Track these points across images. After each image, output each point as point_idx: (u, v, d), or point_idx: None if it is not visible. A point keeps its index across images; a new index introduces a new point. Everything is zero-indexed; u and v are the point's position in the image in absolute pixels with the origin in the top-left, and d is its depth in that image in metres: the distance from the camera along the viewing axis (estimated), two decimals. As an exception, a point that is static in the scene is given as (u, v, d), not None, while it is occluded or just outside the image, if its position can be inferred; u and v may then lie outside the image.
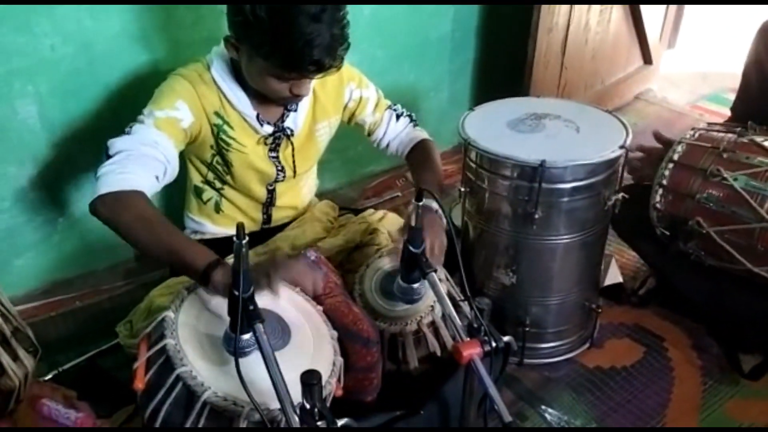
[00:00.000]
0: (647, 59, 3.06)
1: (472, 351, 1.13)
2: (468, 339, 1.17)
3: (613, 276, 2.00)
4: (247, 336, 1.10)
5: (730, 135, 1.58)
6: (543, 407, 1.62)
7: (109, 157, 1.33)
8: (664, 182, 1.60)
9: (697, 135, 1.61)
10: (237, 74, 1.47)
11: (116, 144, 1.34)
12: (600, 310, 1.78)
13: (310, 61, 1.29)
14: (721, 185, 1.52)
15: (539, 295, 1.67)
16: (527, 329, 1.69)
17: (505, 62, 2.55)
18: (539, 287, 1.66)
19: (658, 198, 1.62)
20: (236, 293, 1.05)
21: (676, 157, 1.58)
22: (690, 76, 3.47)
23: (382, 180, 2.47)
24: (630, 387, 1.68)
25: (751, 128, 1.61)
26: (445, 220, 1.45)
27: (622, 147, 1.49)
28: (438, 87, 2.51)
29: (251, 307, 1.06)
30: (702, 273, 1.68)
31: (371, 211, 1.79)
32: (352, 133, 1.80)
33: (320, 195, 2.06)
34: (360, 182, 2.45)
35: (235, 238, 1.01)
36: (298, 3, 1.25)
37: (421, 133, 1.75)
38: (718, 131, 1.63)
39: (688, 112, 3.07)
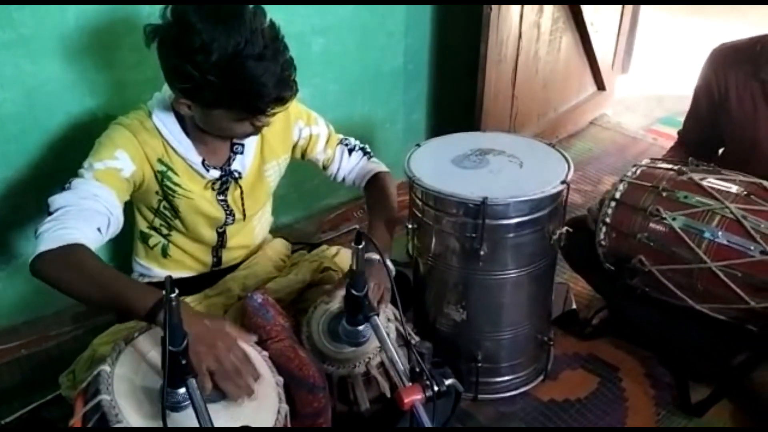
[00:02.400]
0: (600, 85, 3.12)
1: (413, 397, 1.12)
2: (410, 384, 1.16)
3: (568, 304, 2.01)
4: (182, 390, 1.08)
5: (670, 173, 1.60)
6: (497, 444, 1.61)
7: (50, 214, 1.31)
8: (608, 220, 1.62)
9: (638, 172, 1.64)
10: (180, 121, 1.46)
11: (56, 201, 1.32)
12: (552, 343, 1.78)
13: (270, 100, 1.30)
14: (662, 224, 1.54)
15: (491, 330, 1.67)
16: (480, 364, 1.68)
17: (458, 94, 2.58)
18: (490, 322, 1.66)
19: (602, 235, 1.64)
20: (168, 348, 1.02)
21: (618, 195, 1.61)
22: (645, 100, 3.55)
23: (340, 213, 2.46)
24: (584, 419, 1.68)
25: (691, 164, 1.64)
26: (389, 263, 1.45)
27: (563, 182, 1.51)
28: (393, 119, 2.52)
29: (183, 362, 1.04)
30: (651, 304, 1.70)
31: (324, 247, 1.78)
32: (307, 167, 1.79)
33: (277, 229, 2.05)
34: (317, 215, 2.44)
35: (164, 292, 0.99)
36: (241, 51, 1.24)
37: (377, 166, 1.74)
38: (659, 168, 1.65)
39: (641, 137, 3.13)
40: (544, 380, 1.80)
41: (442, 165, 1.61)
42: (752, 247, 1.45)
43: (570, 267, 1.97)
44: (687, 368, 1.75)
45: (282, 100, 1.32)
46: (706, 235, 1.49)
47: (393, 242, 1.62)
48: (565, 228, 1.61)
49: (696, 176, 1.57)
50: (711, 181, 1.56)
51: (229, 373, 1.15)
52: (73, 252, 1.25)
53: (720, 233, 1.48)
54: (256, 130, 1.42)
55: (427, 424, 1.12)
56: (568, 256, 1.92)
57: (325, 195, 2.43)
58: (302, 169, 1.78)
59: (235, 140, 1.51)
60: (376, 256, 1.41)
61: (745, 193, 1.53)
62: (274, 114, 1.37)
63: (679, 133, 2.02)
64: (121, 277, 1.27)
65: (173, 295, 0.99)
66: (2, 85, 1.55)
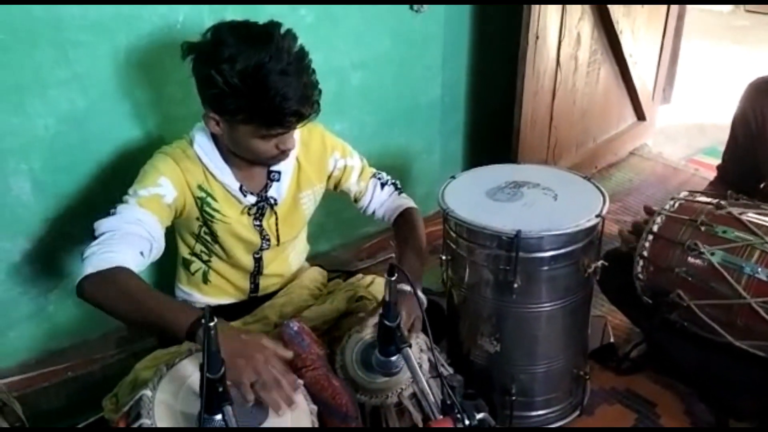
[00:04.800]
0: (640, 115, 3.10)
1: (444, 428, 1.13)
2: (441, 417, 1.17)
3: (606, 338, 1.99)
4: (218, 416, 1.11)
5: (709, 207, 1.59)
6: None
7: (95, 238, 1.37)
8: (645, 254, 1.60)
9: (676, 206, 1.62)
10: (219, 148, 1.52)
11: (101, 226, 1.39)
12: (588, 377, 1.76)
13: (289, 114, 1.35)
14: (700, 259, 1.52)
15: (525, 363, 1.66)
16: (514, 398, 1.67)
17: (495, 125, 2.60)
18: (524, 355, 1.65)
19: (639, 269, 1.62)
20: (206, 375, 1.06)
21: (655, 228, 1.59)
22: (686, 130, 3.51)
23: (376, 241, 2.49)
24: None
25: (730, 198, 1.62)
26: (420, 294, 1.46)
27: (598, 216, 1.51)
28: (430, 150, 2.55)
29: (220, 389, 1.07)
30: (690, 339, 1.67)
31: (360, 276, 1.80)
32: (345, 196, 1.83)
33: (314, 257, 2.09)
34: (354, 244, 2.47)
35: (203, 321, 1.03)
36: (265, 63, 1.31)
37: (406, 201, 1.77)
38: (697, 201, 1.63)
39: (682, 167, 3.09)
40: (580, 415, 1.78)
41: (476, 197, 1.62)
42: (794, 284, 1.42)
43: (608, 300, 1.95)
44: (728, 406, 1.71)
45: (301, 116, 1.38)
46: (746, 270, 1.47)
47: (426, 273, 1.64)
48: (601, 261, 1.60)
49: (735, 210, 1.55)
50: (750, 216, 1.54)
51: (268, 383, 1.19)
52: (117, 274, 1.31)
53: (760, 269, 1.45)
54: (281, 154, 1.47)
55: (458, 457, 1.12)
56: (606, 289, 1.90)
57: (362, 224, 2.47)
58: (339, 198, 1.82)
59: (271, 168, 1.57)
60: (408, 287, 1.43)
61: (787, 228, 1.50)
62: (292, 132, 1.43)
63: (718, 167, 2.00)
64: (161, 296, 1.33)
65: (213, 324, 1.03)
66: (57, 120, 1.63)
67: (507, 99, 2.47)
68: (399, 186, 1.80)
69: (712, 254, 1.51)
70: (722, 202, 1.59)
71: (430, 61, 2.38)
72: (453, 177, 1.74)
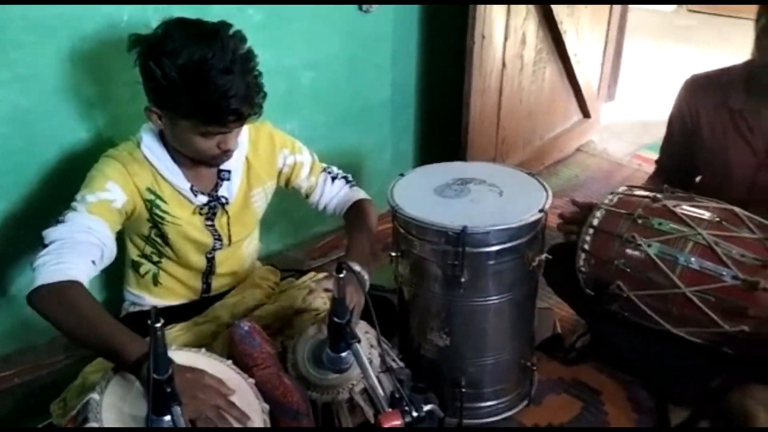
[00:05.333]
0: (585, 113, 3.19)
1: (392, 423, 1.16)
2: (389, 410, 1.19)
3: (553, 329, 2.05)
4: (168, 418, 1.11)
5: (646, 200, 1.65)
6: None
7: (44, 247, 1.35)
8: (586, 247, 1.66)
9: (615, 200, 1.69)
10: (167, 148, 1.51)
11: (50, 234, 1.36)
12: (536, 368, 1.81)
13: (229, 112, 1.36)
14: (638, 251, 1.58)
15: (474, 356, 1.70)
16: (464, 390, 1.71)
17: (445, 123, 2.64)
18: (473, 348, 1.70)
19: (582, 262, 1.68)
20: (153, 376, 1.06)
21: (595, 222, 1.65)
22: (631, 127, 3.62)
23: (329, 240, 2.51)
24: (567, 443, 1.71)
25: (666, 191, 1.69)
26: (366, 282, 1.49)
27: (541, 210, 1.56)
28: (381, 148, 2.58)
29: (168, 390, 1.08)
30: (631, 329, 1.73)
31: (312, 274, 1.82)
32: (296, 193, 1.84)
33: (267, 257, 2.09)
34: (306, 243, 2.48)
35: (149, 322, 1.03)
36: (207, 60, 1.31)
37: (358, 194, 1.79)
38: (635, 195, 1.70)
39: (627, 163, 3.19)
40: (528, 405, 1.83)
41: (424, 194, 1.66)
42: (724, 273, 1.49)
43: (553, 291, 2.01)
44: (667, 392, 1.78)
45: (240, 116, 1.38)
46: (681, 261, 1.54)
47: (379, 270, 1.66)
48: (545, 255, 1.66)
49: (670, 203, 1.62)
50: (684, 208, 1.61)
51: (210, 421, 1.18)
52: (69, 289, 1.29)
53: (693, 259, 1.52)
54: (223, 154, 1.47)
55: (407, 449, 1.15)
56: (551, 282, 1.96)
57: (314, 222, 2.48)
58: (291, 196, 1.83)
59: (221, 167, 1.57)
60: (356, 266, 1.46)
61: (717, 219, 1.57)
62: (234, 132, 1.43)
63: (656, 162, 2.07)
64: (113, 321, 1.29)
65: (159, 325, 1.03)
66: (-1, 122, 1.60)
67: (456, 98, 2.51)
68: (351, 179, 1.82)
69: (649, 246, 1.57)
70: (658, 196, 1.66)
71: (380, 61, 2.41)
72: (402, 175, 1.77)
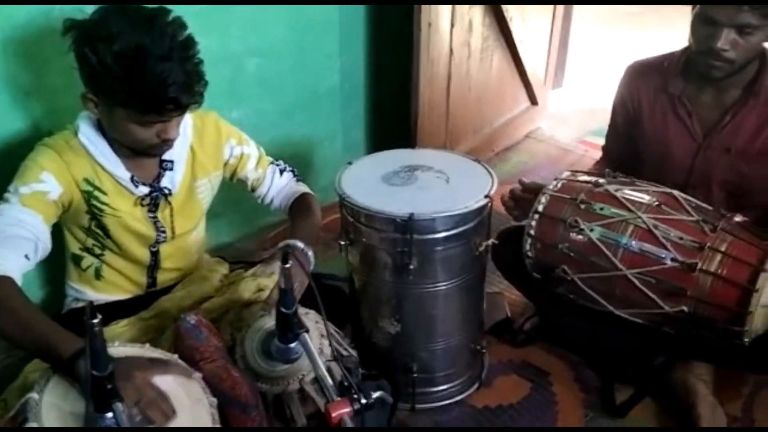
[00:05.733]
0: (533, 100, 3.23)
1: (340, 411, 1.15)
2: (338, 398, 1.19)
3: (502, 313, 2.08)
4: (109, 414, 1.09)
5: (588, 185, 1.69)
6: (431, 452, 1.66)
7: None
8: (532, 232, 1.69)
9: (559, 185, 1.71)
10: (106, 137, 1.47)
11: None
12: (485, 351, 1.84)
13: (167, 101, 1.32)
14: (581, 235, 1.61)
15: (425, 341, 1.72)
16: (416, 375, 1.73)
17: (395, 111, 2.64)
18: (424, 334, 1.71)
19: (528, 246, 1.71)
20: (92, 373, 1.04)
21: (540, 208, 1.68)
22: (577, 113, 3.67)
23: (280, 230, 2.48)
24: (516, 424, 1.74)
25: (608, 176, 1.73)
26: (311, 261, 1.49)
27: (487, 196, 1.57)
28: (332, 138, 2.57)
29: (108, 386, 1.05)
30: (577, 311, 1.77)
31: (262, 265, 1.80)
32: (242, 185, 1.81)
33: (216, 249, 2.06)
34: (257, 234, 2.46)
35: (85, 318, 1.00)
36: (145, 46, 1.27)
37: (302, 188, 1.78)
38: (578, 181, 1.73)
39: (574, 149, 3.25)
40: (479, 388, 1.86)
41: (371, 182, 1.65)
42: (664, 255, 1.53)
43: (502, 276, 2.04)
44: (612, 371, 1.83)
45: (179, 105, 1.34)
46: (621, 244, 1.57)
47: (331, 259, 1.66)
48: (492, 240, 1.68)
49: (611, 188, 1.66)
50: (625, 193, 1.65)
51: (151, 401, 1.17)
52: (1, 285, 1.25)
53: (633, 242, 1.56)
54: (163, 144, 1.43)
55: (357, 437, 1.15)
56: (500, 266, 1.99)
57: (264, 213, 2.44)
58: (240, 188, 1.80)
59: (163, 157, 1.53)
60: (300, 244, 1.45)
61: (656, 203, 1.62)
62: (173, 120, 1.39)
63: (603, 148, 2.12)
64: (44, 320, 1.26)
65: (96, 321, 1.00)
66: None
67: (406, 85, 2.51)
68: (297, 173, 1.81)
69: (591, 230, 1.61)
70: (600, 181, 1.69)
71: (327, 48, 2.38)
72: (350, 163, 1.76)
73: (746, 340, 1.52)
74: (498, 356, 1.96)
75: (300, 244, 1.51)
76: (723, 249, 1.50)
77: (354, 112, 2.63)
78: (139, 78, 1.28)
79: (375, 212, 1.54)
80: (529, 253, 1.74)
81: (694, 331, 1.61)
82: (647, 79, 1.85)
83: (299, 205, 1.73)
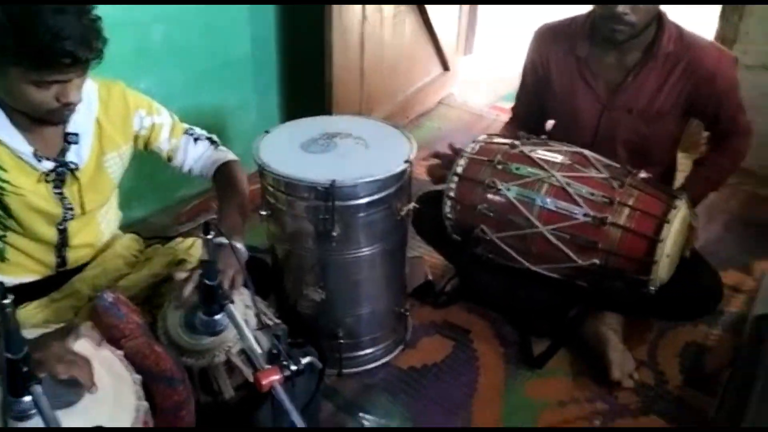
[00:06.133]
0: (445, 66, 3.27)
1: (271, 378, 1.15)
2: (268, 367, 1.19)
3: (424, 276, 2.12)
4: (27, 398, 1.04)
5: (504, 147, 1.73)
6: (361, 414, 1.68)
7: None
8: (452, 194, 1.72)
9: (477, 148, 1.75)
10: (4, 108, 1.37)
11: None
12: (409, 314, 1.88)
13: (62, 53, 1.23)
14: (498, 195, 1.67)
15: (350, 307, 1.73)
16: (342, 341, 1.74)
17: (310, 79, 2.60)
18: (349, 299, 1.72)
19: (448, 209, 1.74)
20: (6, 356, 0.98)
21: (459, 170, 1.71)
22: (489, 79, 3.75)
23: (196, 203, 2.42)
24: (440, 382, 1.79)
25: (523, 138, 1.78)
26: (238, 245, 1.45)
27: (407, 161, 1.59)
28: (245, 107, 2.51)
29: (24, 369, 1.00)
30: (495, 270, 1.83)
31: (179, 239, 1.75)
32: (157, 156, 1.75)
33: (130, 225, 1.98)
34: (173, 207, 2.39)
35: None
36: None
37: (225, 154, 1.72)
38: (495, 143, 1.78)
39: (486, 114, 3.32)
40: (404, 349, 1.89)
41: (291, 150, 1.63)
42: (576, 211, 1.61)
43: (422, 240, 2.07)
44: (530, 326, 1.91)
45: (76, 59, 1.26)
46: (537, 202, 1.64)
47: (251, 231, 1.63)
48: (413, 204, 1.70)
49: (526, 149, 1.71)
50: (539, 153, 1.71)
51: (73, 361, 1.14)
52: None
53: (548, 200, 1.63)
54: (63, 108, 1.34)
55: (287, 403, 1.15)
56: (420, 230, 2.02)
57: (179, 186, 2.38)
58: (154, 159, 1.73)
59: (68, 129, 1.45)
60: (226, 241, 1.41)
61: (569, 162, 1.69)
62: (70, 75, 1.30)
63: (512, 109, 2.17)
64: None
65: (7, 302, 0.95)
66: None
67: (319, 53, 2.48)
68: (215, 140, 1.74)
69: (509, 190, 1.66)
70: (516, 142, 1.75)
71: (235, 14, 2.31)
72: (267, 131, 1.73)
73: (652, 288, 1.62)
74: (421, 318, 2.01)
75: (238, 245, 1.43)
76: (630, 203, 1.59)
77: (267, 81, 2.57)
78: (30, 31, 1.19)
79: (296, 180, 1.53)
80: (449, 215, 1.78)
81: (606, 283, 1.71)
82: (555, 43, 1.90)
83: (223, 179, 1.67)
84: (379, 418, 1.68)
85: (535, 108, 2.04)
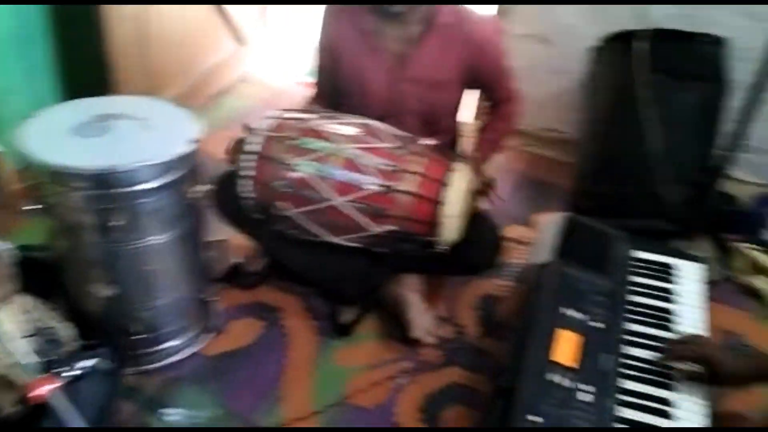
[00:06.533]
0: (241, 41, 3.17)
1: (43, 388, 1.06)
2: (40, 376, 1.09)
3: (231, 259, 2.07)
4: None
5: (295, 122, 1.72)
6: (161, 411, 1.61)
7: None
8: (247, 173, 1.68)
9: (269, 125, 1.72)
10: None
11: None
12: (217, 299, 1.82)
13: None
14: (292, 171, 1.66)
15: (145, 300, 1.64)
16: (140, 336, 1.65)
17: (88, 56, 2.38)
18: (143, 292, 1.63)
19: (244, 188, 1.70)
20: None
21: (252, 148, 1.67)
22: (290, 54, 3.70)
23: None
24: (251, 363, 1.77)
25: (314, 112, 1.78)
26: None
27: (191, 142, 1.52)
28: (13, 91, 2.24)
29: None
30: (299, 245, 1.82)
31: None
32: None
33: None
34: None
35: None
36: None
37: None
38: (287, 119, 1.76)
39: (288, 89, 3.28)
40: (214, 337, 1.84)
41: (60, 136, 1.49)
42: (366, 181, 1.64)
43: (224, 221, 2.01)
44: (338, 296, 1.95)
45: None
46: (329, 175, 1.65)
47: (23, 228, 1.47)
48: (208, 186, 1.63)
49: (315, 123, 1.71)
50: (329, 127, 1.71)
51: None
52: None
53: (339, 172, 1.64)
54: None
55: (69, 412, 1.07)
56: (222, 211, 1.95)
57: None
58: None
59: None
60: None
61: (359, 134, 1.71)
62: None
63: (314, 84, 2.16)
64: None
65: None
66: None
67: (95, 30, 2.27)
68: None
69: (302, 165, 1.65)
70: (306, 117, 1.74)
71: (-10, -13, 2.05)
72: (30, 116, 1.56)
73: (444, 248, 1.71)
74: (230, 302, 1.96)
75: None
76: (416, 170, 1.66)
77: (37, 61, 2.32)
78: None
79: (68, 169, 1.40)
80: (248, 195, 1.74)
81: (404, 247, 1.77)
82: (343, 17, 1.91)
83: None
84: (187, 411, 1.62)
85: (331, 84, 2.04)
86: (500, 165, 2.49)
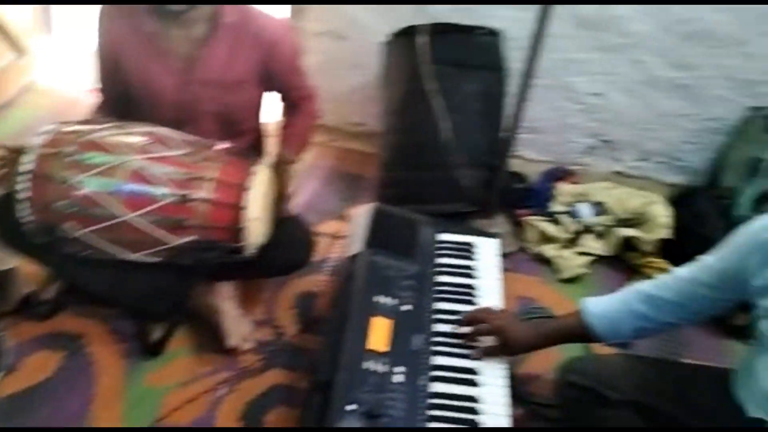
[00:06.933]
0: (21, 50, 2.90)
1: None
2: None
3: (22, 290, 1.89)
4: None
5: (74, 135, 1.60)
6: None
7: None
8: (24, 196, 1.54)
9: (45, 140, 1.59)
10: None
11: None
12: (2, 335, 1.65)
13: None
14: (75, 189, 1.55)
15: None
16: None
17: None
18: None
19: (23, 212, 1.56)
20: None
21: (27, 167, 1.54)
22: (76, 60, 3.43)
23: None
24: (51, 399, 1.64)
25: (93, 123, 1.67)
26: None
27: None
28: None
29: None
30: (96, 264, 1.71)
31: None
32: None
33: None
34: None
35: None
36: None
37: None
38: (66, 132, 1.63)
39: (81, 98, 3.05)
40: (3, 376, 1.68)
41: None
42: (158, 192, 1.57)
43: (6, 247, 1.83)
44: (144, 313, 1.85)
45: None
46: (118, 189, 1.56)
47: None
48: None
49: (98, 135, 1.61)
50: (113, 138, 1.62)
51: None
52: None
53: (128, 186, 1.56)
54: None
55: None
56: (3, 240, 1.78)
57: None
58: None
59: None
60: None
61: (145, 142, 1.63)
62: None
63: (100, 92, 2.02)
64: None
65: None
66: None
67: None
68: None
69: (86, 182, 1.55)
70: (86, 129, 1.63)
71: None
72: None
73: (252, 251, 1.69)
74: (22, 337, 1.80)
75: None
76: (211, 176, 1.61)
77: None
78: None
79: None
80: (27, 219, 1.60)
81: (209, 256, 1.72)
82: (123, 19, 1.80)
83: None
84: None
85: (121, 88, 1.92)
86: (309, 162, 2.52)
